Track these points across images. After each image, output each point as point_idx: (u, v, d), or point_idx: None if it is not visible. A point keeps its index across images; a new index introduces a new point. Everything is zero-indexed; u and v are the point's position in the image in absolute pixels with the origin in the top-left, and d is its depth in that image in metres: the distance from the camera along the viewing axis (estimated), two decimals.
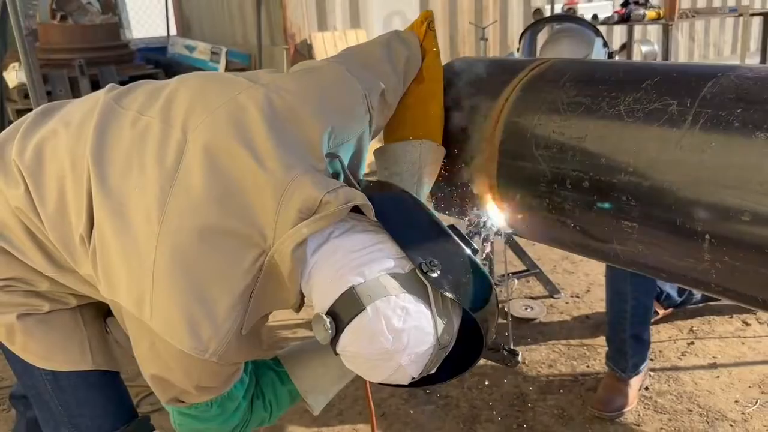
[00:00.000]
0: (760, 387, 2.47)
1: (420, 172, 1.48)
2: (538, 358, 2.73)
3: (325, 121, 1.22)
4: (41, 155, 1.23)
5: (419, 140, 1.49)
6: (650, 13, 4.95)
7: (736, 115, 1.07)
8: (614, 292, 2.39)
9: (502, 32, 6.55)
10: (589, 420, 2.34)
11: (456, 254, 1.14)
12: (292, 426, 2.38)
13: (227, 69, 6.06)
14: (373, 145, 1.46)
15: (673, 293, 2.86)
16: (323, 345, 1.37)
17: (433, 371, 1.15)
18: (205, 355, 1.10)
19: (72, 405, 1.34)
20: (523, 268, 3.40)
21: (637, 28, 6.10)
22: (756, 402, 2.38)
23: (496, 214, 1.44)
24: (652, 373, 2.57)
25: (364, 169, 1.40)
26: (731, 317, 2.96)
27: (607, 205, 1.22)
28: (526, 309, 3.09)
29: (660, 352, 2.72)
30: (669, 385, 2.51)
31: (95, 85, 5.63)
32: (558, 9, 5.37)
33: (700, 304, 2.97)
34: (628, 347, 2.37)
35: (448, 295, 1.08)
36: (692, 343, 2.78)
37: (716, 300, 2.97)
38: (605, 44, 2.37)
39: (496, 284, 1.40)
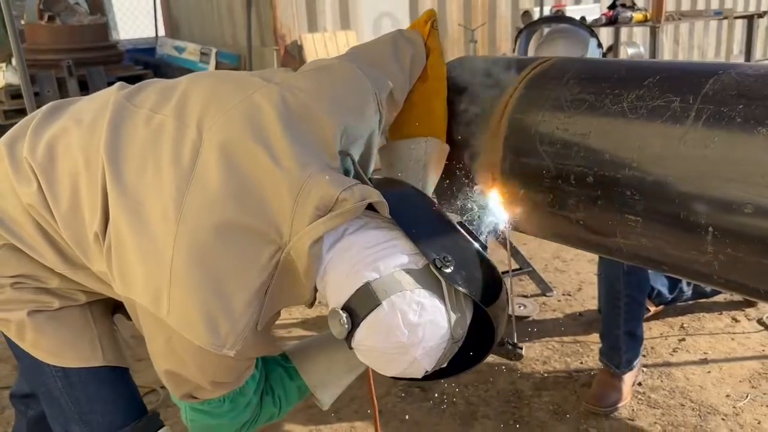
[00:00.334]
0: (750, 381, 2.51)
1: (425, 169, 1.51)
2: (533, 355, 2.76)
3: (339, 119, 1.24)
4: (53, 153, 1.23)
5: (424, 137, 1.51)
6: (637, 16, 5.02)
7: (738, 111, 1.10)
8: (608, 289, 2.43)
9: (491, 34, 6.59)
10: (584, 415, 2.37)
11: (467, 249, 1.16)
12: (290, 424, 2.38)
13: (217, 70, 6.05)
14: None
15: (664, 291, 2.90)
16: (330, 340, 1.40)
17: (445, 365, 1.17)
18: (222, 350, 1.11)
19: (83, 401, 1.34)
20: (516, 266, 3.44)
21: (624, 31, 6.17)
22: (746, 396, 2.42)
23: (499, 209, 1.47)
24: (644, 369, 2.60)
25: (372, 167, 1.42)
26: (721, 314, 3.00)
27: (611, 200, 1.25)
28: (520, 307, 3.12)
29: (652, 348, 2.75)
30: (661, 381, 2.54)
31: (83, 86, 5.62)
32: (546, 11, 5.42)
33: (690, 302, 3.02)
34: (622, 343, 2.40)
35: (462, 289, 1.11)
36: (683, 339, 2.82)
37: (706, 297, 3.02)
38: (599, 45, 2.41)
39: None
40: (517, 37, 2.82)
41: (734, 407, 2.37)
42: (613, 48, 5.39)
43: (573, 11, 5.09)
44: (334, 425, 2.39)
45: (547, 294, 3.30)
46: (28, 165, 1.23)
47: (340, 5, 5.77)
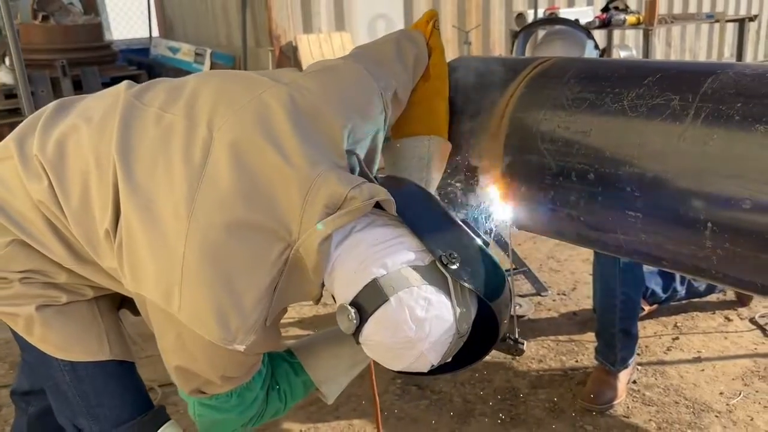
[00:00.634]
0: (743, 379, 2.54)
1: (428, 167, 1.53)
2: (528, 354, 2.78)
3: (346, 119, 1.26)
4: (63, 150, 1.24)
5: (427, 136, 1.54)
6: (630, 18, 5.06)
7: (737, 109, 1.13)
8: (603, 288, 2.45)
9: (485, 36, 6.64)
10: (579, 413, 2.39)
11: (472, 246, 1.18)
12: (289, 422, 2.40)
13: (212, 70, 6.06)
14: None
15: (658, 290, 2.92)
16: (335, 336, 1.43)
17: (449, 359, 1.20)
18: (232, 345, 1.13)
19: (90, 395, 1.35)
20: (507, 268, 3.46)
21: (616, 33, 6.22)
22: (740, 394, 2.45)
23: (501, 207, 1.49)
24: (639, 367, 2.63)
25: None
26: (714, 313, 3.04)
27: (611, 196, 1.27)
28: (515, 306, 3.14)
29: (646, 347, 2.78)
30: (656, 379, 2.57)
31: (77, 86, 5.62)
32: (540, 14, 5.46)
33: (684, 301, 3.05)
34: (617, 341, 2.42)
35: (467, 285, 1.13)
36: (677, 338, 2.85)
37: (699, 297, 3.05)
38: (596, 46, 2.44)
39: None
40: (514, 39, 2.84)
41: (727, 404, 2.40)
42: (606, 51, 5.43)
43: (566, 14, 5.12)
44: (332, 423, 2.41)
45: (542, 294, 3.32)
46: (38, 162, 1.24)
47: (335, 6, 5.80)
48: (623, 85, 1.31)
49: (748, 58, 7.49)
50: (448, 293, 1.13)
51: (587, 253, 3.66)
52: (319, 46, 5.60)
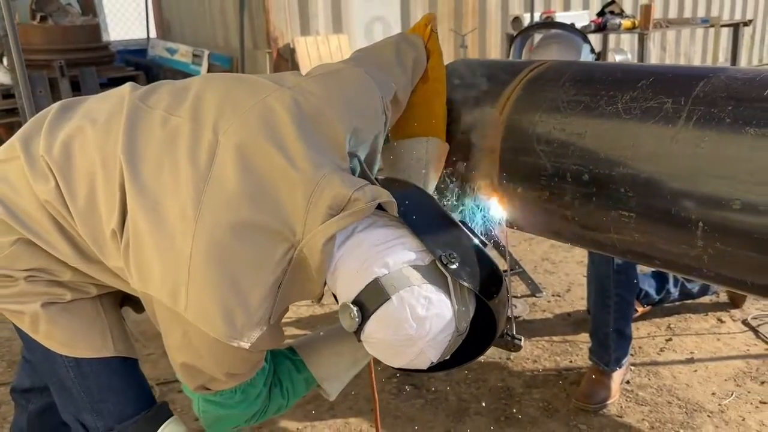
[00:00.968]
0: (735, 380, 2.57)
1: (426, 168, 1.56)
2: (523, 354, 2.81)
3: (348, 122, 1.28)
4: (70, 152, 1.26)
5: (425, 137, 1.56)
6: (626, 23, 5.11)
7: (728, 112, 1.16)
8: (598, 288, 2.48)
9: (481, 39, 6.67)
10: (573, 412, 2.42)
11: (470, 247, 1.22)
12: (286, 420, 2.42)
13: (209, 72, 6.08)
14: None
15: (652, 292, 2.95)
16: (336, 334, 1.46)
17: (448, 357, 1.23)
18: (238, 343, 1.15)
19: (94, 391, 1.36)
20: (506, 267, 3.49)
21: (612, 37, 6.27)
22: (732, 394, 2.48)
23: (497, 207, 1.52)
24: (632, 368, 2.66)
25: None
26: (707, 315, 3.07)
27: (605, 196, 1.30)
28: (512, 306, 3.17)
29: (640, 347, 2.81)
30: (649, 379, 2.60)
31: (75, 86, 5.63)
32: (536, 17, 5.49)
33: (677, 303, 3.08)
34: (611, 341, 2.45)
35: (467, 285, 1.16)
36: (670, 339, 2.88)
37: (692, 299, 3.09)
38: (592, 50, 2.47)
39: None
40: (510, 43, 2.87)
41: (720, 404, 2.43)
42: (601, 54, 5.48)
43: (562, 18, 5.15)
44: (329, 421, 2.43)
45: (537, 295, 3.35)
46: (44, 163, 1.26)
47: (333, 9, 5.82)
48: (618, 88, 1.34)
49: (743, 62, 7.53)
50: (447, 292, 1.16)
51: (581, 255, 3.69)
52: (317, 49, 5.63)
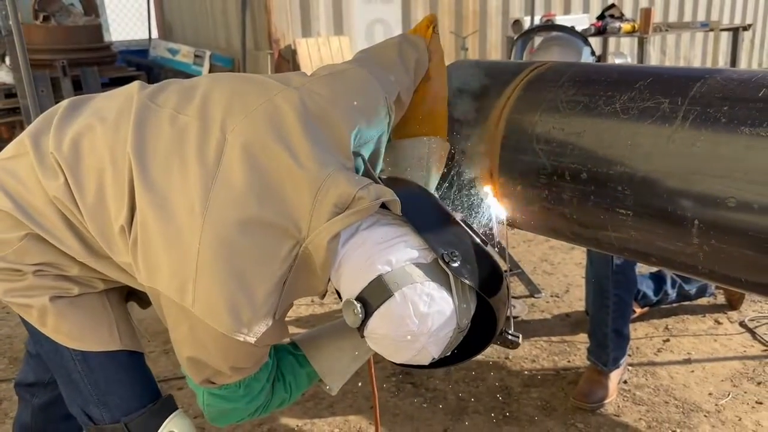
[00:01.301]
0: (731, 381, 2.59)
1: (428, 167, 1.58)
2: (522, 354, 2.83)
3: (353, 122, 1.31)
4: (79, 149, 1.28)
5: (427, 137, 1.59)
6: (625, 26, 5.12)
7: (723, 113, 1.19)
8: (596, 289, 2.50)
9: (482, 42, 6.70)
10: (571, 411, 2.44)
11: (471, 245, 1.24)
12: (286, 417, 2.43)
13: (211, 72, 6.10)
14: None
15: (650, 293, 2.97)
16: (338, 330, 1.48)
17: (449, 353, 1.25)
18: (244, 337, 1.17)
19: (101, 384, 1.38)
20: (505, 268, 3.50)
21: (612, 41, 6.29)
22: (728, 394, 2.50)
23: (497, 206, 1.54)
24: (630, 368, 2.67)
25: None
26: (704, 316, 3.09)
27: (603, 195, 1.32)
28: (511, 306, 3.19)
29: (637, 348, 2.83)
30: (646, 379, 2.62)
31: (77, 86, 5.64)
32: (537, 20, 5.51)
33: (675, 304, 3.10)
34: (609, 341, 2.47)
35: (468, 282, 1.19)
36: (668, 340, 2.90)
37: (690, 300, 3.11)
38: (593, 52, 2.49)
39: None
40: (511, 46, 2.89)
41: (716, 405, 2.45)
42: (602, 58, 5.50)
43: (563, 21, 5.16)
44: (328, 419, 2.44)
45: (536, 295, 3.38)
46: (54, 159, 1.27)
47: (334, 11, 5.85)
48: (616, 88, 1.37)
49: (743, 66, 7.57)
50: (449, 289, 1.19)
51: (580, 257, 3.71)
52: (318, 50, 5.65)
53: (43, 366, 1.64)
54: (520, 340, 1.45)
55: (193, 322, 1.18)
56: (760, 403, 2.44)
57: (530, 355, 2.83)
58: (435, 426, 2.38)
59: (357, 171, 1.32)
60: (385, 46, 1.61)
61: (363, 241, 1.21)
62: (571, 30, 2.71)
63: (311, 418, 2.44)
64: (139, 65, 6.99)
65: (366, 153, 1.37)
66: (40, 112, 2.93)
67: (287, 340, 1.45)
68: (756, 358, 2.74)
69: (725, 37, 6.09)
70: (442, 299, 1.17)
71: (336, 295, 1.36)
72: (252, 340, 1.18)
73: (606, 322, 2.46)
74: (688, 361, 2.73)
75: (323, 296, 1.31)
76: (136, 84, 1.39)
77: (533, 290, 3.41)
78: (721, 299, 3.19)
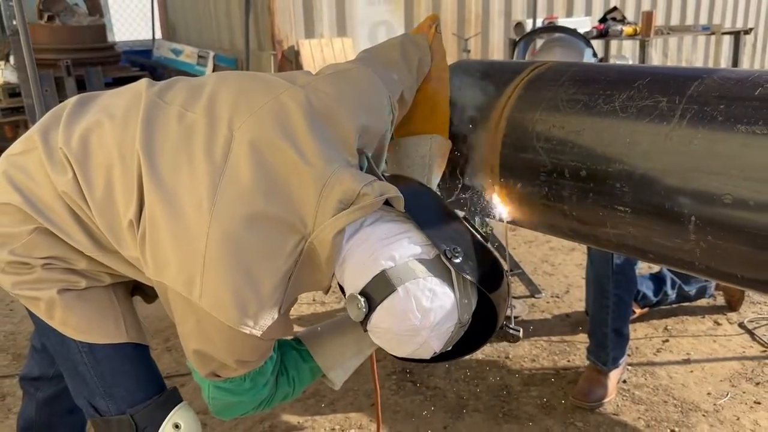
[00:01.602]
0: (730, 381, 2.61)
1: (430, 165, 1.61)
2: (522, 353, 2.84)
3: (358, 120, 1.34)
4: (87, 144, 1.30)
5: (429, 135, 1.61)
6: (627, 29, 5.14)
7: (720, 111, 1.21)
8: (596, 289, 2.51)
9: (484, 44, 6.72)
10: (570, 410, 2.45)
11: (473, 242, 1.27)
12: (288, 414, 2.45)
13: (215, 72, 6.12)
14: None
15: (650, 293, 2.99)
16: (341, 325, 1.50)
17: (450, 348, 1.28)
18: (250, 330, 1.19)
19: (107, 376, 1.39)
20: (506, 268, 3.52)
21: (613, 43, 6.31)
22: (727, 394, 2.51)
23: (498, 203, 1.56)
24: (629, 368, 2.69)
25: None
26: (703, 317, 3.10)
27: (602, 192, 1.34)
28: (511, 306, 3.20)
29: (637, 348, 2.84)
30: (645, 379, 2.63)
31: (81, 85, 5.67)
32: (539, 23, 5.54)
33: (674, 305, 3.11)
34: (609, 341, 2.48)
35: (469, 278, 1.22)
36: (667, 340, 2.91)
37: (689, 301, 3.12)
38: (594, 54, 2.51)
39: None
40: (513, 48, 2.91)
41: (714, 404, 2.46)
42: (603, 61, 5.52)
43: (565, 23, 5.19)
44: (329, 416, 2.46)
45: (536, 296, 3.39)
46: (63, 155, 1.29)
47: (338, 12, 5.87)
48: (615, 87, 1.39)
49: None
50: (451, 285, 1.21)
51: (581, 258, 3.73)
52: (321, 51, 5.68)
53: (48, 360, 1.66)
54: (521, 334, 1.47)
55: (200, 316, 1.20)
56: (758, 403, 2.46)
57: (530, 354, 2.84)
58: (435, 424, 2.40)
59: (361, 168, 1.34)
60: (388, 45, 1.64)
61: (367, 237, 1.24)
62: (573, 32, 2.73)
63: (312, 415, 2.46)
64: (143, 65, 7.02)
65: (370, 150, 1.39)
66: (44, 111, 2.95)
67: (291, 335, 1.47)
68: (755, 358, 2.76)
69: (727, 41, 6.10)
70: (444, 294, 1.19)
71: (337, 295, 1.38)
72: (258, 333, 1.20)
73: (606, 321, 2.48)
74: (687, 362, 2.75)
75: (327, 291, 1.34)
76: (144, 81, 1.41)
77: (534, 290, 3.42)
78: (720, 300, 3.20)
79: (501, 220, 1.57)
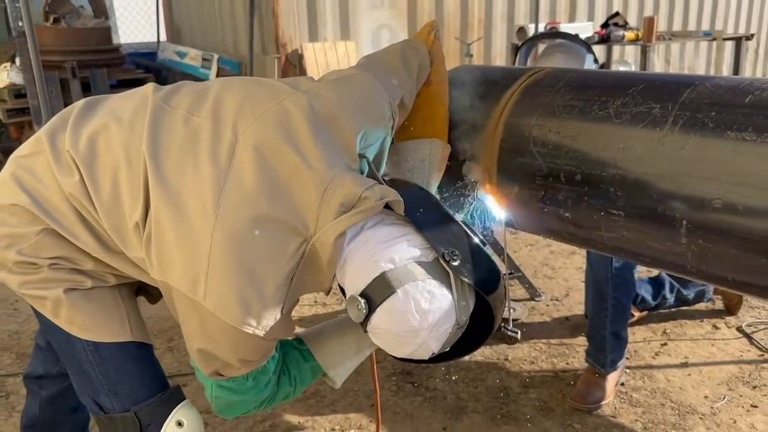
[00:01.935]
0: (728, 384, 2.62)
1: (429, 169, 1.64)
2: (521, 356, 2.87)
3: (359, 125, 1.37)
4: (94, 147, 1.33)
5: (428, 139, 1.64)
6: (629, 35, 5.16)
7: (711, 117, 1.24)
8: (595, 292, 2.53)
9: (486, 49, 6.74)
10: (568, 412, 2.47)
11: (471, 245, 1.30)
12: (288, 414, 2.47)
13: (218, 76, 6.16)
14: None
15: (648, 297, 3.00)
16: (341, 326, 1.53)
17: (448, 349, 1.31)
18: (253, 330, 1.22)
19: (112, 374, 1.42)
20: (504, 271, 3.54)
21: (615, 49, 6.33)
22: (724, 398, 2.53)
23: (495, 206, 1.59)
24: (627, 371, 2.71)
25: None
26: (702, 321, 3.12)
27: (596, 196, 1.37)
28: (510, 309, 3.23)
29: (635, 351, 2.86)
30: (643, 382, 2.65)
31: (86, 87, 5.71)
32: (541, 28, 5.56)
33: (673, 309, 3.13)
34: (607, 344, 2.50)
35: (467, 281, 1.25)
36: (665, 344, 2.93)
37: (688, 305, 3.14)
38: (595, 59, 2.54)
39: None
40: (515, 52, 2.94)
41: (712, 407, 2.48)
42: (605, 66, 5.54)
43: (566, 29, 5.20)
44: (329, 416, 2.48)
45: (536, 299, 3.41)
46: (70, 157, 1.32)
47: (341, 16, 5.90)
48: (609, 94, 1.42)
49: (746, 76, 7.58)
50: (449, 287, 1.24)
51: (580, 262, 3.75)
52: (324, 55, 5.71)
53: (52, 358, 1.68)
54: (519, 336, 1.50)
55: (204, 316, 1.23)
56: (755, 407, 2.48)
57: (529, 356, 2.86)
58: (434, 425, 2.42)
59: (362, 172, 1.37)
60: (389, 51, 1.67)
61: (367, 240, 1.27)
62: (574, 37, 2.76)
63: (312, 415, 2.48)
64: (148, 68, 7.05)
65: (370, 155, 1.42)
66: (49, 112, 2.98)
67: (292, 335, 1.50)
68: (752, 362, 2.78)
69: (729, 47, 6.12)
70: (442, 296, 1.22)
71: (338, 296, 1.41)
72: (261, 333, 1.23)
73: (604, 324, 2.50)
74: (685, 365, 2.77)
75: (328, 292, 1.37)
76: (150, 86, 1.44)
77: (533, 293, 3.45)
78: (719, 305, 3.22)
79: (499, 223, 1.60)
